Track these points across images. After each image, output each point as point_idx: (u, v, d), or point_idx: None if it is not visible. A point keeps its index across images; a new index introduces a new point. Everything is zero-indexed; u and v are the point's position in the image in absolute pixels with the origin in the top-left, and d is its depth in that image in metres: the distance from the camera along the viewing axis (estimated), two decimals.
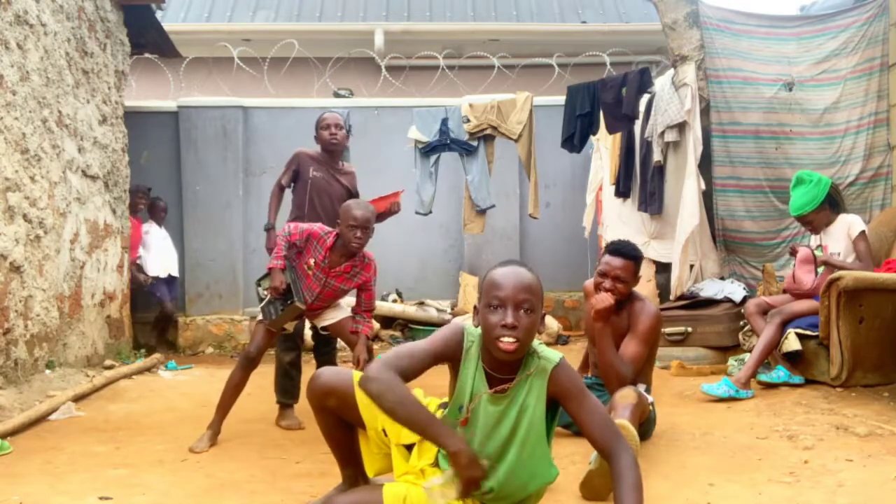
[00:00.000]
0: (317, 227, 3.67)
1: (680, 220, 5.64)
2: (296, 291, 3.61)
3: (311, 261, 3.62)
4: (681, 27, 5.69)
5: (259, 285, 3.75)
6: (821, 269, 4.35)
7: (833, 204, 4.41)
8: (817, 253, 4.39)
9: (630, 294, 3.34)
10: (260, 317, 3.69)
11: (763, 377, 4.24)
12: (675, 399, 4.18)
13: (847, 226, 4.34)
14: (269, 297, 3.64)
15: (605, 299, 3.19)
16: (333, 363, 4.21)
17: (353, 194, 4.38)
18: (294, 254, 3.70)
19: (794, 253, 4.53)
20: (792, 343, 4.17)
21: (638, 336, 3.28)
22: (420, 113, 6.96)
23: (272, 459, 3.21)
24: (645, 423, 3.16)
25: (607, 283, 3.26)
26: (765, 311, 4.41)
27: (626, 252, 3.31)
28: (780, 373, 4.23)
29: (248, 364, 3.62)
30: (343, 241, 3.54)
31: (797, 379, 4.23)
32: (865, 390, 3.93)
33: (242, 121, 7.55)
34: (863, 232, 4.26)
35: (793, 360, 4.25)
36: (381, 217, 4.23)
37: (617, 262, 3.27)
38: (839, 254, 4.35)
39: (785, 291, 4.49)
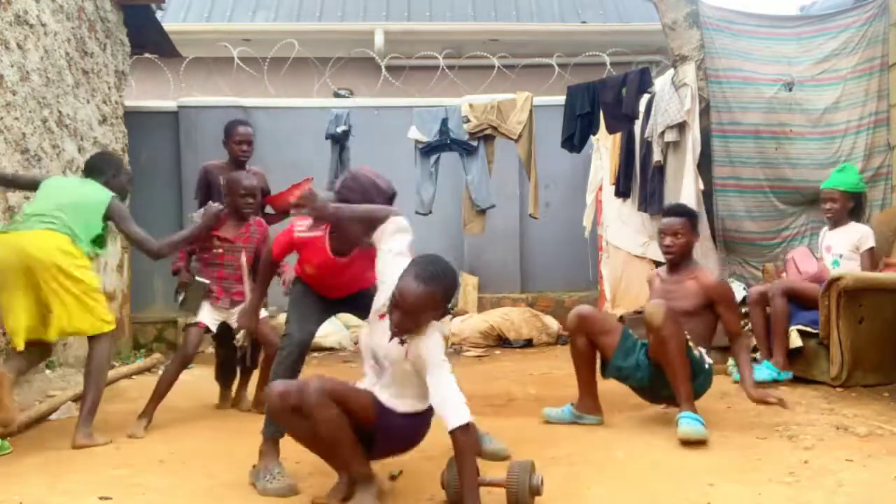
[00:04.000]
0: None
1: None
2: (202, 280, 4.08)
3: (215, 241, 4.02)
4: (681, 27, 5.69)
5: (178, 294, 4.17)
6: (833, 262, 4.36)
7: (857, 205, 4.54)
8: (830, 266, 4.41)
9: (691, 258, 3.71)
10: (190, 319, 4.12)
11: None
12: None
13: (859, 235, 4.40)
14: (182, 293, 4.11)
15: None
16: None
17: (266, 193, 4.57)
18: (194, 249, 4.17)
19: (786, 266, 4.57)
20: (794, 340, 4.18)
21: (730, 308, 3.55)
22: (420, 113, 6.96)
23: None
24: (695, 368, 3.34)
25: (668, 240, 3.65)
26: (767, 302, 4.45)
27: (679, 211, 3.77)
28: (766, 371, 4.26)
29: (184, 362, 4.04)
30: (235, 209, 4.06)
31: (784, 375, 4.28)
32: (865, 390, 3.94)
33: None
34: (872, 248, 4.32)
35: (792, 356, 4.28)
36: (284, 208, 4.37)
37: (672, 219, 3.67)
38: (841, 255, 4.39)
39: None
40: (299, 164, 6.87)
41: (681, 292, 3.59)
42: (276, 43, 8.33)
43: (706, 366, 3.44)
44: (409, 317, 2.39)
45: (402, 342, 2.46)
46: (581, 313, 3.64)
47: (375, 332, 2.60)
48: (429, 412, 2.54)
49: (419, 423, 2.58)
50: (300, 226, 3.12)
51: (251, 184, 4.09)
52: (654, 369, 3.42)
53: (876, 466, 2.76)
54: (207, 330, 4.10)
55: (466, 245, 7.73)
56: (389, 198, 2.98)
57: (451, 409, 2.33)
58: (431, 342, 2.43)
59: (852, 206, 4.51)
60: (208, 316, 4.09)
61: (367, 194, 2.86)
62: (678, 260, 3.66)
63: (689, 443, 3.10)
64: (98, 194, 3.66)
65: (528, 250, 7.80)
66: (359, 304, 3.26)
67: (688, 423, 3.15)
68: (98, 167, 3.81)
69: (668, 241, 3.65)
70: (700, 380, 3.41)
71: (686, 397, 3.25)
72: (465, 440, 2.33)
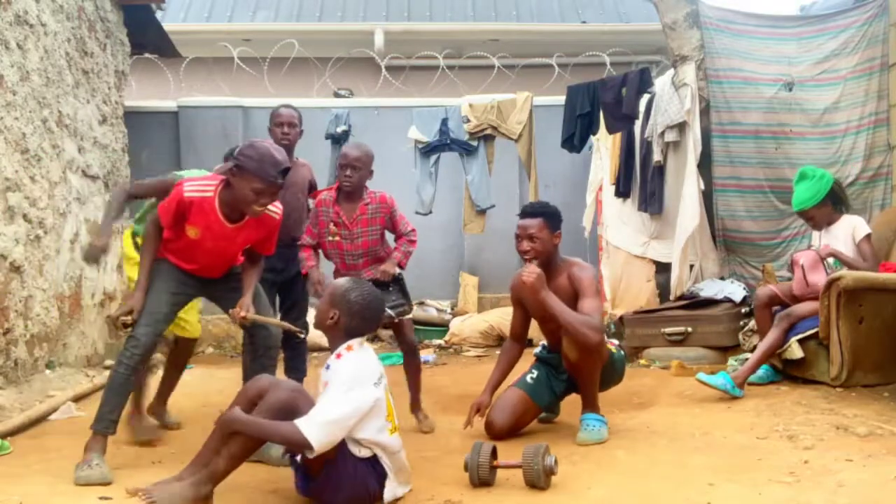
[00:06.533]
0: (314, 201, 3.86)
1: (680, 222, 5.64)
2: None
3: (331, 226, 3.73)
4: (681, 27, 5.69)
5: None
6: (834, 262, 4.33)
7: (836, 201, 4.40)
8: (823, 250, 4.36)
9: (557, 258, 3.47)
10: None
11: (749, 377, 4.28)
12: (675, 399, 4.18)
13: (852, 227, 4.33)
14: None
15: (532, 270, 3.22)
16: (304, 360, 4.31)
17: (313, 186, 4.35)
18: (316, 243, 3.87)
19: (792, 268, 4.49)
20: (795, 352, 4.18)
21: (588, 293, 3.31)
22: (420, 113, 6.96)
23: None
24: (608, 366, 3.39)
25: (525, 244, 3.38)
26: (775, 303, 4.42)
27: (534, 211, 3.46)
28: (763, 372, 4.30)
29: None
30: (339, 185, 3.79)
31: (780, 377, 4.35)
32: (865, 390, 3.93)
33: (242, 121, 7.55)
34: (868, 234, 4.28)
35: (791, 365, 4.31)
36: None
37: (527, 221, 3.42)
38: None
39: (796, 299, 4.36)
40: None
41: (561, 298, 3.33)
42: (276, 43, 8.33)
43: (618, 354, 3.53)
44: (326, 304, 2.64)
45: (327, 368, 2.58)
46: (497, 431, 3.41)
47: None
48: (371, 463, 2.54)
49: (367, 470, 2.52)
50: (191, 184, 3.04)
51: (353, 153, 3.81)
52: (569, 381, 3.53)
53: (876, 466, 2.76)
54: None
55: (466, 245, 7.73)
56: (282, 171, 2.99)
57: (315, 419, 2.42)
58: (344, 364, 2.56)
59: (831, 203, 4.37)
60: None
61: (262, 162, 2.93)
62: (542, 266, 3.32)
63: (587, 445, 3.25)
64: None
65: None
66: (225, 287, 3.27)
67: (589, 428, 3.30)
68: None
69: (524, 245, 3.37)
70: (617, 376, 3.50)
71: (592, 402, 3.38)
72: (293, 435, 2.39)
